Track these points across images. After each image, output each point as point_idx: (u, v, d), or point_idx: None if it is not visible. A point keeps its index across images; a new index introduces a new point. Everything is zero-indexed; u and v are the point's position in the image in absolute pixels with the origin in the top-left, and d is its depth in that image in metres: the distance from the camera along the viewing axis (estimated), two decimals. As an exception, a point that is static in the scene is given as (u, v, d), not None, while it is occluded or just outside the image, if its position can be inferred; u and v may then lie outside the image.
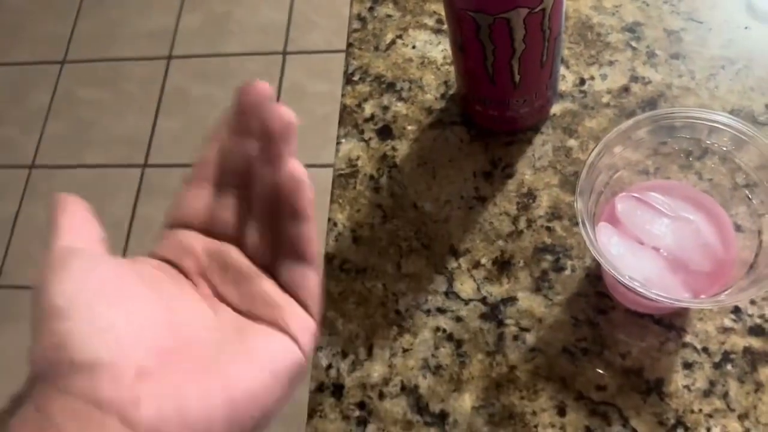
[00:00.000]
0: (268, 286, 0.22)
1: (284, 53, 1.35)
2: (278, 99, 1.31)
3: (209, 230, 0.24)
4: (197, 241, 0.23)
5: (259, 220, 0.23)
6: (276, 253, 0.23)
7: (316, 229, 0.23)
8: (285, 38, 1.36)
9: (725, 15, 0.41)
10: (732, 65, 0.39)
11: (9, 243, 1.29)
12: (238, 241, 0.23)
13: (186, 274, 0.23)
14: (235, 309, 0.22)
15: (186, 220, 0.24)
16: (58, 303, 0.19)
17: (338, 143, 0.42)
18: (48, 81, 1.43)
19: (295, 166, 0.22)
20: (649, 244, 0.32)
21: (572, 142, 0.39)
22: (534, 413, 0.34)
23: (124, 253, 1.20)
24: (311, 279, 0.23)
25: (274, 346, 0.21)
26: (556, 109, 0.40)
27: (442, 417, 0.35)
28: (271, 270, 0.23)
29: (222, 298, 0.23)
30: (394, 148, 0.41)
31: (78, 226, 0.21)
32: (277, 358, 0.21)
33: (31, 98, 1.42)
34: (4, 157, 1.38)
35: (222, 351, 0.20)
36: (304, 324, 0.22)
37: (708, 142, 0.32)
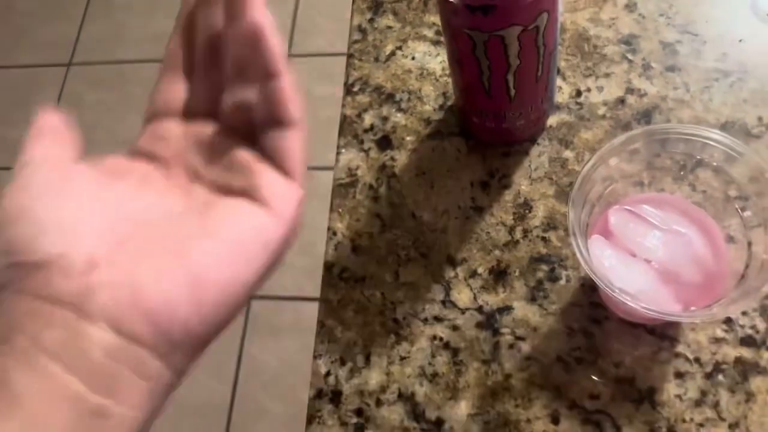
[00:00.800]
0: (243, 155, 0.21)
1: (288, 56, 1.36)
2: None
3: (186, 115, 0.23)
4: (174, 127, 0.22)
5: (232, 89, 0.21)
6: (254, 120, 0.21)
7: (293, 86, 0.20)
8: (289, 41, 1.37)
9: (720, 28, 0.41)
10: (726, 78, 0.40)
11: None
12: (215, 119, 0.22)
13: (160, 161, 0.22)
14: (212, 187, 0.21)
15: (163, 110, 0.23)
16: (5, 209, 0.18)
17: (338, 153, 0.43)
18: (54, 83, 1.44)
19: (255, 15, 0.20)
20: (641, 257, 0.33)
21: (568, 154, 0.40)
22: (528, 421, 0.35)
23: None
24: (293, 141, 0.21)
25: (237, 216, 0.20)
26: (552, 120, 0.41)
27: (438, 424, 0.35)
28: (252, 141, 0.21)
29: (200, 179, 0.21)
30: (393, 159, 0.42)
31: (46, 139, 0.21)
32: (242, 228, 0.19)
33: (37, 100, 1.43)
34: (10, 158, 1.39)
35: (181, 231, 0.19)
36: (281, 189, 0.20)
37: (702, 156, 0.33)
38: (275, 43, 0.20)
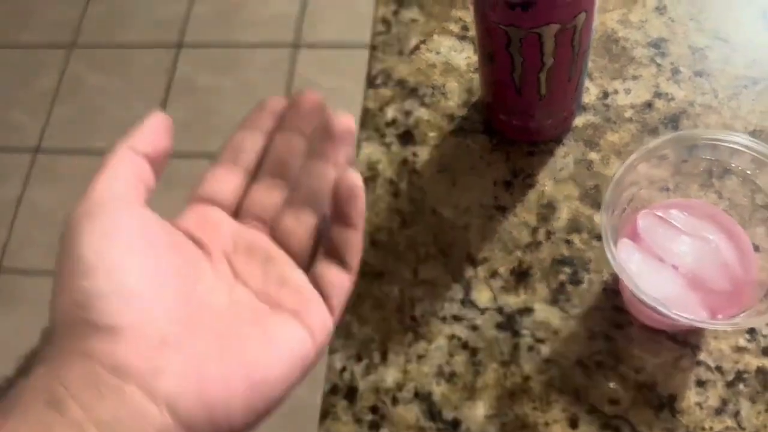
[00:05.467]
0: (298, 274, 0.22)
1: (295, 46, 1.35)
2: (288, 92, 1.30)
3: (238, 213, 0.23)
4: (225, 221, 0.23)
5: (299, 211, 0.23)
6: (314, 248, 0.23)
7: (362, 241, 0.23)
8: (297, 31, 1.36)
9: (750, 34, 0.41)
10: (755, 85, 0.39)
11: (12, 226, 1.29)
12: (269, 228, 0.23)
13: (207, 251, 0.22)
14: (260, 295, 0.22)
15: (214, 198, 0.23)
16: (85, 256, 0.18)
17: (359, 146, 0.42)
18: (56, 65, 1.42)
19: (355, 176, 0.22)
20: (669, 262, 0.32)
21: (594, 156, 0.39)
22: (546, 424, 0.34)
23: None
24: (345, 282, 0.23)
25: (293, 335, 0.21)
26: (578, 121, 0.40)
27: (455, 425, 0.35)
28: (302, 262, 0.23)
29: (242, 280, 0.22)
30: (414, 154, 0.41)
31: (125, 167, 0.20)
32: (295, 347, 0.20)
33: (38, 81, 1.41)
34: (9, 139, 1.38)
35: (240, 331, 0.20)
36: (324, 321, 0.22)
37: (729, 163, 0.32)
38: (363, 205, 0.23)
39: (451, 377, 0.36)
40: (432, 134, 0.42)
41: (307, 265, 0.23)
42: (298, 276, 0.22)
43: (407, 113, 0.42)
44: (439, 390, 0.36)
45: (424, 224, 0.39)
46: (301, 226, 0.23)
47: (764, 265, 0.32)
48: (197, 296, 0.20)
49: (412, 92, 0.43)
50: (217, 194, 0.23)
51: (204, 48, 1.38)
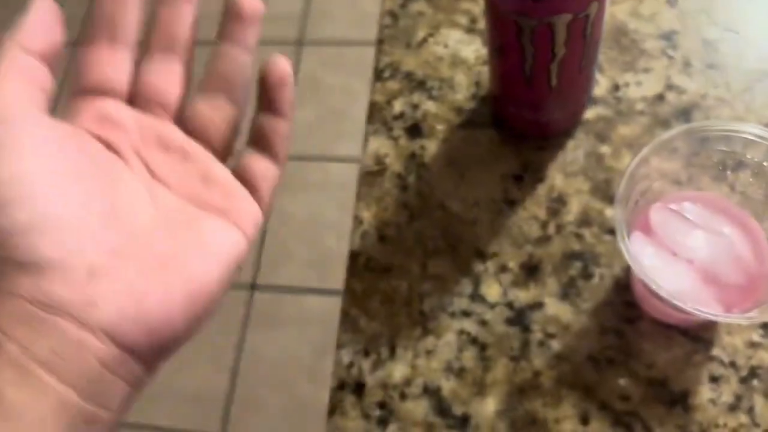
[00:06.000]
0: (220, 169, 0.21)
1: (300, 43, 1.35)
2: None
3: (134, 101, 0.21)
4: (125, 111, 0.20)
5: (212, 98, 0.21)
6: (231, 139, 0.21)
7: (290, 128, 0.22)
8: (302, 28, 1.36)
9: (762, 27, 0.40)
10: (768, 78, 0.39)
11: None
12: (174, 117, 0.21)
13: (117, 152, 0.20)
14: (184, 196, 0.20)
15: (104, 87, 0.20)
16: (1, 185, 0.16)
17: (366, 140, 0.42)
18: (59, 63, 1.42)
19: (283, 61, 0.21)
20: (682, 256, 0.32)
21: (605, 149, 0.39)
22: (557, 420, 0.34)
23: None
24: (274, 172, 0.21)
25: (226, 237, 0.20)
26: (589, 114, 0.40)
27: (464, 420, 0.34)
28: (222, 155, 0.21)
29: (161, 180, 0.20)
30: (422, 147, 0.41)
31: (18, 69, 0.18)
32: (231, 250, 0.20)
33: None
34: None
35: (172, 243, 0.19)
36: (254, 216, 0.21)
37: (743, 154, 0.32)
38: (292, 93, 0.21)
39: (460, 372, 0.35)
40: (440, 127, 0.41)
41: (225, 157, 0.21)
42: (221, 170, 0.21)
43: (415, 106, 0.42)
44: (448, 385, 0.35)
45: (432, 218, 0.39)
46: (218, 114, 0.21)
47: (779, 258, 0.32)
48: (122, 212, 0.18)
49: (420, 85, 0.42)
50: (106, 82, 0.20)
51: (209, 46, 1.38)
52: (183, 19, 0.21)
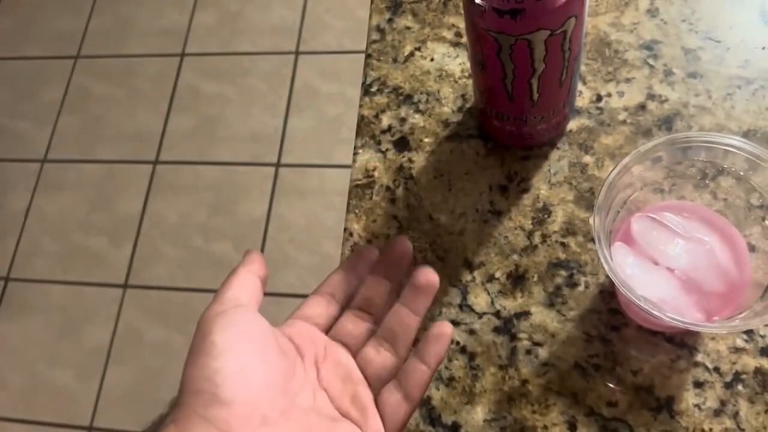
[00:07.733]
0: (367, 394, 0.27)
1: (297, 53, 1.36)
2: (290, 99, 1.31)
3: (328, 335, 0.29)
4: (319, 335, 0.29)
5: (379, 344, 0.28)
6: (386, 377, 0.28)
7: (432, 378, 0.28)
8: (298, 38, 1.37)
9: (743, 35, 0.41)
10: (748, 85, 0.39)
11: (20, 236, 1.31)
12: (353, 351, 0.29)
13: (302, 355, 0.27)
14: (331, 398, 0.27)
15: (311, 319, 0.29)
16: (218, 343, 0.24)
17: (355, 153, 0.43)
18: (61, 76, 1.44)
19: (447, 325, 0.28)
20: (663, 265, 0.32)
21: (588, 159, 0.39)
22: (545, 427, 0.34)
23: (134, 248, 1.22)
24: (404, 412, 0.27)
25: None
26: (572, 125, 0.40)
27: (454, 429, 0.35)
28: (374, 386, 0.28)
29: (324, 386, 0.27)
30: (410, 160, 0.42)
31: (248, 283, 0.27)
32: None
33: (44, 93, 1.43)
34: (17, 150, 1.39)
35: (320, 426, 0.25)
36: (378, 430, 0.27)
37: (723, 164, 0.33)
38: (445, 352, 0.28)
39: (450, 381, 0.36)
40: (427, 140, 0.42)
41: (378, 389, 0.28)
42: (367, 396, 0.27)
43: (402, 120, 0.43)
44: (438, 395, 0.36)
45: (421, 230, 0.40)
46: (379, 357, 0.28)
47: (760, 265, 0.32)
48: (291, 390, 0.25)
49: (407, 99, 0.43)
50: (314, 317, 0.29)
51: (207, 56, 1.39)
52: (382, 290, 0.29)
